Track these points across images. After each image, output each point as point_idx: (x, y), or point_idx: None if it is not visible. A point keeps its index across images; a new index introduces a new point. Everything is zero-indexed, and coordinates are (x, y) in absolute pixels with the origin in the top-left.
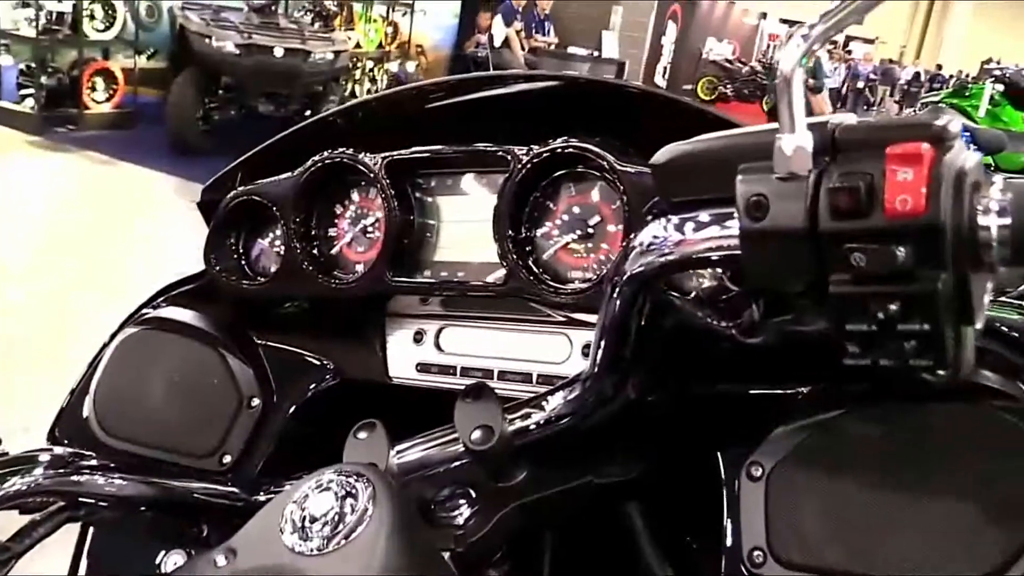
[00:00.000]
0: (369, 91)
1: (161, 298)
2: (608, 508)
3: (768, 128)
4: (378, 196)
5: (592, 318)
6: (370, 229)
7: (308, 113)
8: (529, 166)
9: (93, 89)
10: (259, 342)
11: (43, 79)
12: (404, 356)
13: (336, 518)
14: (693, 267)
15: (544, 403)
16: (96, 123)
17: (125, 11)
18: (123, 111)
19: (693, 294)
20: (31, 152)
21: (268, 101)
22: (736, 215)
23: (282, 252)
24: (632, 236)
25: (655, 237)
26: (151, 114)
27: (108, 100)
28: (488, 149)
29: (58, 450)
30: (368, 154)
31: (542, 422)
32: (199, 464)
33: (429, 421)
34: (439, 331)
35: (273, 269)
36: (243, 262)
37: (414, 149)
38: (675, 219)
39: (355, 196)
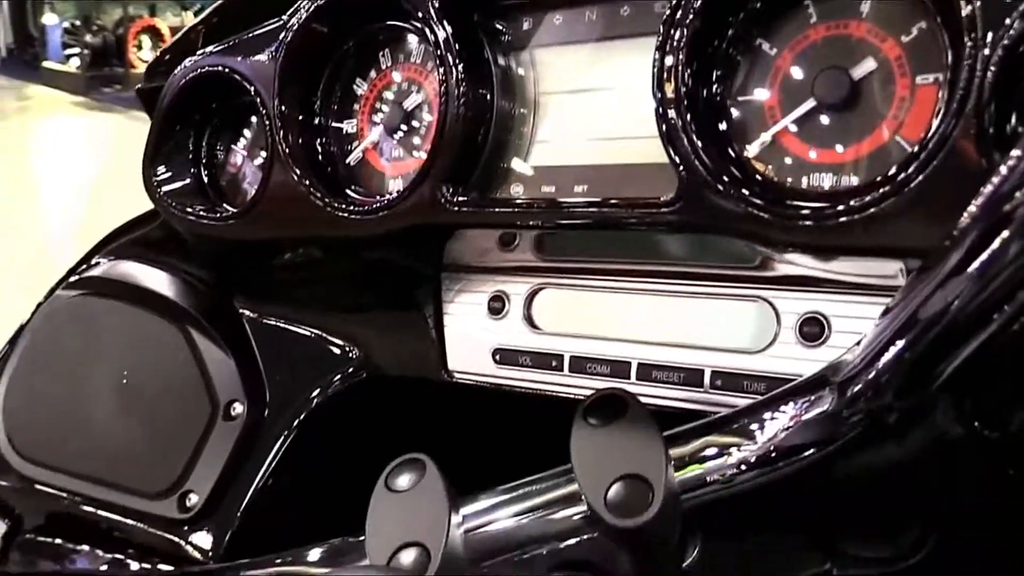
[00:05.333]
0: None
1: (107, 248)
2: None
3: None
4: (428, 56)
5: (834, 266)
6: (413, 120)
7: None
8: None
9: (139, 47)
10: (246, 315)
11: (88, 38)
12: (473, 338)
13: None
14: None
15: (753, 426)
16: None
17: None
18: None
19: None
20: (76, 112)
21: None
22: None
23: (264, 162)
24: None
25: None
26: None
27: None
28: None
29: None
30: None
31: (746, 467)
32: (152, 508)
33: (518, 443)
34: (532, 295)
35: (251, 194)
36: (205, 182)
37: None
38: None
39: (384, 60)
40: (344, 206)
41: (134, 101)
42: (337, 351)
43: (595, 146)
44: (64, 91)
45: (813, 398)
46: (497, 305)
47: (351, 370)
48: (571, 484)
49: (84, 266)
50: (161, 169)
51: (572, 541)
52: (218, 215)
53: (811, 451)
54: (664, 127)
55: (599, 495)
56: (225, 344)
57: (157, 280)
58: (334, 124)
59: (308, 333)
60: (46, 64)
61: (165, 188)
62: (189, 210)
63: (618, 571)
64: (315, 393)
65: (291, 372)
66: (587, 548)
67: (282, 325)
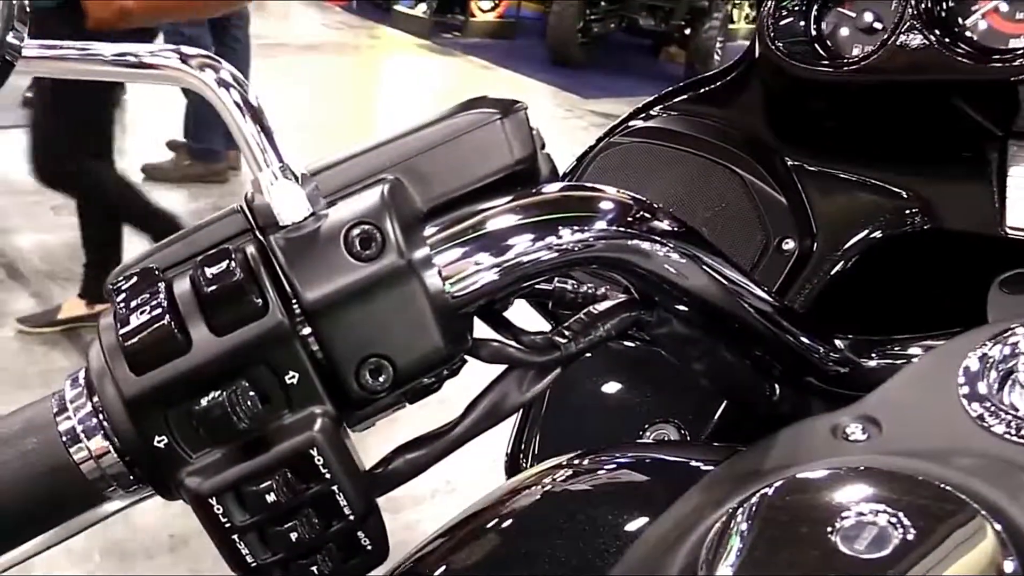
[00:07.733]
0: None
1: (658, 107)
2: None
3: None
4: None
5: None
6: None
7: (687, 32)
8: None
9: None
10: (795, 164)
11: None
12: None
13: None
14: None
15: None
16: (479, 31)
17: None
18: (505, 21)
19: None
20: (422, 54)
21: (649, 15)
22: None
23: (886, 23)
24: None
25: None
26: (531, 27)
27: (493, 10)
28: None
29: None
30: None
31: None
32: None
33: None
34: None
35: (860, 49)
36: (813, 39)
37: None
38: None
39: None
40: (968, 51)
41: (470, 48)
42: (890, 199)
43: None
44: (409, 33)
45: None
46: None
47: (905, 218)
48: None
49: (632, 121)
50: (777, 31)
51: None
52: (832, 64)
53: None
54: None
55: None
56: (777, 187)
57: (712, 132)
58: None
59: (859, 180)
60: (397, 7)
61: (780, 42)
62: (799, 59)
63: None
64: (866, 236)
65: (841, 215)
66: None
67: (832, 172)
